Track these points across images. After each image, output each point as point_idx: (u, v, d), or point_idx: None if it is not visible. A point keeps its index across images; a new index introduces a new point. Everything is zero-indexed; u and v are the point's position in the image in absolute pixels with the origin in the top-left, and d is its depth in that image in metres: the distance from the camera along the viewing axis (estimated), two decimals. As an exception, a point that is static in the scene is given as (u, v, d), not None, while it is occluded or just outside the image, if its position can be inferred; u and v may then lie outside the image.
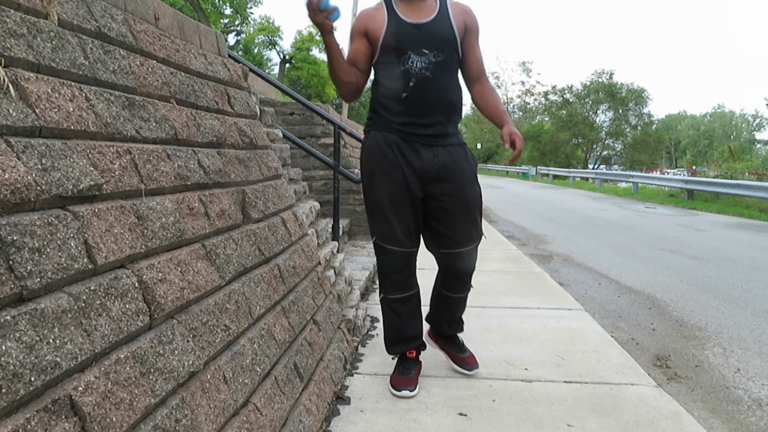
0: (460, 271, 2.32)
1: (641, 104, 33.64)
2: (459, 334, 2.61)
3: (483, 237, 2.31)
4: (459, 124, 2.25)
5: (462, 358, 2.52)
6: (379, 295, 2.38)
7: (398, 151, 2.13)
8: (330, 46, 2.06)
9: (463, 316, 2.56)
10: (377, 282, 3.53)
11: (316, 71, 28.12)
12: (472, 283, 2.43)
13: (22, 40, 1.17)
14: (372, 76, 2.27)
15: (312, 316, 2.32)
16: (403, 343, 2.39)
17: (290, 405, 1.79)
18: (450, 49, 2.11)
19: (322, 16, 1.92)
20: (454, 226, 2.20)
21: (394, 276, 2.29)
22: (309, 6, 1.90)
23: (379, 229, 2.22)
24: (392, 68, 2.10)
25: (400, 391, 2.28)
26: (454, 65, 2.16)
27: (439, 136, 2.14)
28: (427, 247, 2.36)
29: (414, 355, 2.42)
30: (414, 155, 2.13)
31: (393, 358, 2.48)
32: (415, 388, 2.30)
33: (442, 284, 2.41)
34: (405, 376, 2.34)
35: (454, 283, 2.36)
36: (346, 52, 2.21)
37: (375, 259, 3.23)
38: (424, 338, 2.49)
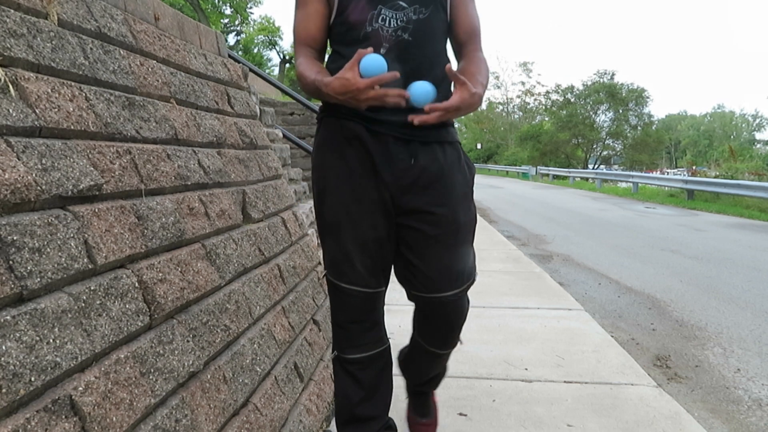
0: (441, 324, 1.62)
1: (641, 104, 33.70)
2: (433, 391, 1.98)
3: (475, 277, 1.63)
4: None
5: (418, 426, 1.91)
6: (331, 352, 1.65)
7: (362, 149, 1.48)
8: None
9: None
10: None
11: (316, 71, 28.09)
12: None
13: (22, 40, 1.17)
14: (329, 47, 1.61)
15: (312, 316, 2.32)
16: (357, 425, 1.63)
17: (290, 405, 1.79)
18: (437, 3, 1.50)
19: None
20: (431, 259, 1.53)
21: (351, 327, 1.58)
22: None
23: (332, 259, 1.56)
24: (355, 30, 1.47)
25: None
26: (443, 28, 1.54)
27: (420, 127, 1.41)
28: (397, 279, 1.65)
29: None
30: (383, 155, 1.48)
31: None
32: None
33: (418, 330, 1.71)
34: None
35: (434, 334, 1.67)
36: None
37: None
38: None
